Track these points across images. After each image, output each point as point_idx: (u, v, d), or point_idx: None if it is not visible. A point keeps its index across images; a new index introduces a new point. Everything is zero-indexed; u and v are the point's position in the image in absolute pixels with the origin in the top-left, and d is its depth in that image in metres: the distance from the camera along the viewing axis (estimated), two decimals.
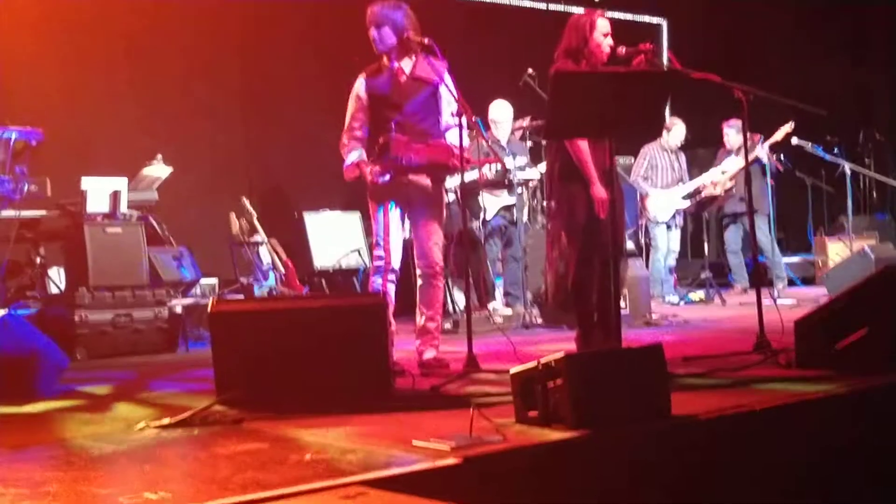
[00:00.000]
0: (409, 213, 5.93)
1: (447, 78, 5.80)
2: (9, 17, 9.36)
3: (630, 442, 3.64)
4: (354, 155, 5.87)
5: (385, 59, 5.87)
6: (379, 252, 5.86)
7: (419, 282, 5.94)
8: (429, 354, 5.82)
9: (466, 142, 5.83)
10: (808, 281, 12.13)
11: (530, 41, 11.99)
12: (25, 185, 7.58)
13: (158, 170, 8.92)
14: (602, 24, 5.73)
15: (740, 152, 10.27)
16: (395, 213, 5.84)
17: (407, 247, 6.08)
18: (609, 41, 5.70)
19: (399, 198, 5.85)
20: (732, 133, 10.80)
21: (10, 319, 5.54)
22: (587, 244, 5.75)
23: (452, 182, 8.07)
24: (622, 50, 5.70)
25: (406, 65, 5.86)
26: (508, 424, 3.74)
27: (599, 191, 5.62)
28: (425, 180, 5.85)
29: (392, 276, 5.84)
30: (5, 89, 9.20)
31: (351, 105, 5.95)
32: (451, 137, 5.88)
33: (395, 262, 5.85)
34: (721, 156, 11.14)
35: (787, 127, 10.19)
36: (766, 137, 10.29)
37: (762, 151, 10.30)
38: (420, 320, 5.92)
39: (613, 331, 5.68)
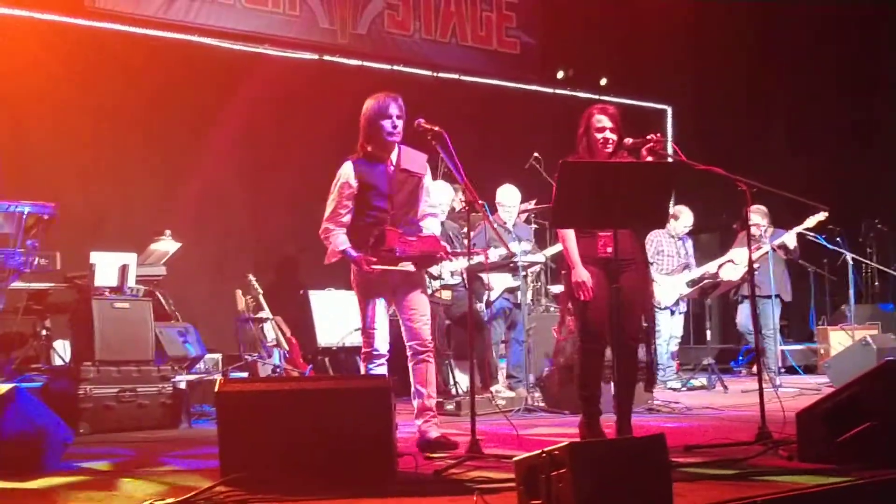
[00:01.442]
0: (394, 298, 6.01)
1: (434, 164, 5.92)
2: (24, 95, 9.56)
3: None
4: (341, 242, 5.91)
5: (371, 148, 5.94)
6: (366, 339, 5.94)
7: (411, 362, 6.00)
8: (434, 434, 5.84)
9: (438, 230, 6.02)
10: (810, 369, 12.15)
11: (537, 125, 12.20)
12: (36, 259, 7.66)
13: (167, 245, 9.02)
14: (597, 119, 5.81)
15: (766, 234, 10.40)
16: (382, 303, 5.93)
17: (394, 328, 6.16)
18: (606, 135, 5.76)
19: (385, 287, 5.94)
20: (756, 217, 10.76)
21: (15, 393, 5.56)
22: (587, 329, 5.81)
23: (458, 265, 8.15)
24: (629, 140, 5.79)
25: (393, 155, 5.98)
26: None
27: (577, 275, 5.73)
28: (410, 267, 5.95)
29: (380, 361, 5.92)
30: (19, 165, 9.37)
31: (338, 191, 5.95)
32: (429, 226, 6.06)
33: (383, 348, 5.93)
34: (740, 240, 11.15)
35: (820, 216, 10.16)
36: (797, 224, 10.35)
37: (789, 237, 10.38)
38: (417, 400, 5.96)
39: (623, 418, 5.75)
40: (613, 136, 5.76)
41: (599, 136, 5.76)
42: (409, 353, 6.01)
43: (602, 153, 5.76)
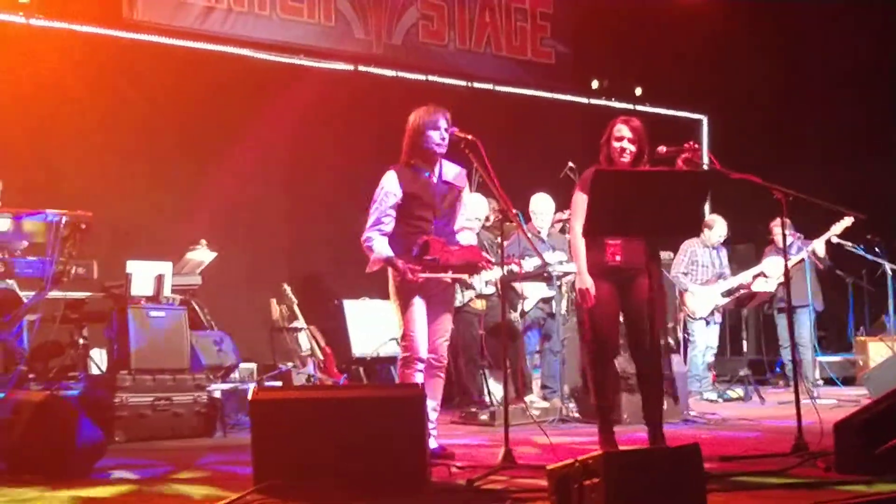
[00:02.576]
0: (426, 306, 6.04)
1: (469, 174, 5.94)
2: (61, 106, 9.66)
3: None
4: (385, 250, 5.94)
5: (414, 160, 5.99)
6: (406, 344, 5.95)
7: (425, 373, 5.98)
8: (433, 445, 5.81)
9: (474, 243, 6.10)
10: (849, 381, 12.00)
11: (571, 135, 12.15)
12: (73, 268, 7.71)
13: (202, 254, 9.05)
14: (617, 129, 5.85)
15: (790, 249, 10.31)
16: (422, 308, 5.95)
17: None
18: (623, 145, 5.79)
19: (423, 293, 5.96)
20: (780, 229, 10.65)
21: (51, 400, 5.60)
22: (595, 337, 5.81)
23: (493, 274, 8.14)
24: (663, 149, 5.78)
25: (435, 167, 6.02)
26: None
27: (580, 282, 5.79)
28: (447, 278, 5.98)
29: (420, 366, 5.93)
30: (57, 175, 9.46)
31: (383, 200, 5.97)
32: (466, 239, 6.14)
33: (423, 353, 5.95)
34: (768, 252, 11.08)
35: (847, 221, 10.08)
36: (823, 231, 10.26)
37: (818, 244, 10.28)
38: None
39: (654, 428, 5.72)
40: (631, 147, 5.77)
41: (617, 145, 5.80)
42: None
43: (619, 163, 5.76)
